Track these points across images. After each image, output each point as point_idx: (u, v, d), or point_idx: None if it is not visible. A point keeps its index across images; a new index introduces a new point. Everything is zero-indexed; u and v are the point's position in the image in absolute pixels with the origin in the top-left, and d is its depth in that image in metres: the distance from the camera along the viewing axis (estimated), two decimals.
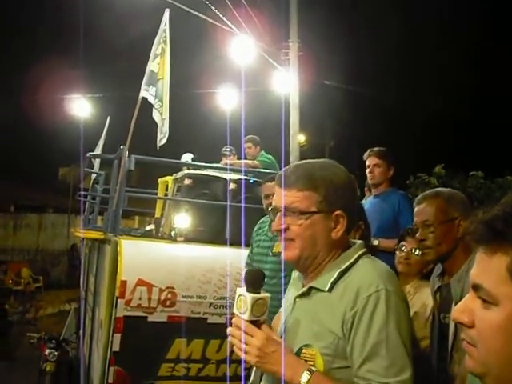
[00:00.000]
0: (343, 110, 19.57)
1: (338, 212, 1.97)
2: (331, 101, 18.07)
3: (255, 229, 5.07)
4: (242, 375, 5.37)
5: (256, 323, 1.88)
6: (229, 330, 1.95)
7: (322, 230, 1.97)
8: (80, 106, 17.78)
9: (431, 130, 18.91)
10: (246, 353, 1.87)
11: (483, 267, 1.06)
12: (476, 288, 1.06)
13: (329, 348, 1.87)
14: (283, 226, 1.99)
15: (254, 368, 4.98)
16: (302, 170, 2.02)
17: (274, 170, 7.37)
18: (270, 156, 8.11)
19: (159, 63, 6.31)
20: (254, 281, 1.90)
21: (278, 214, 2.01)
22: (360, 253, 2.01)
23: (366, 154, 5.20)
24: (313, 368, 1.83)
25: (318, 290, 1.97)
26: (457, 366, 2.61)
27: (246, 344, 1.87)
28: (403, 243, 3.69)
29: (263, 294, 1.88)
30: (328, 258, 2.00)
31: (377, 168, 5.07)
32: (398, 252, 3.69)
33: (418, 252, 3.39)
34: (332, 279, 1.94)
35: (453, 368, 2.64)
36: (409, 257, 3.60)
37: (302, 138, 18.02)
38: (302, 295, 2.02)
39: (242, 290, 1.89)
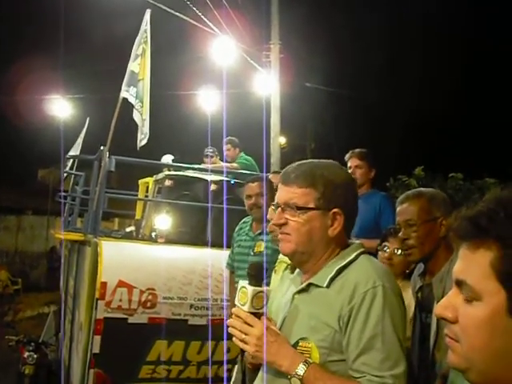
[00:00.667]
0: (324, 111, 19.64)
1: (335, 210, 2.01)
2: (312, 102, 18.12)
3: (236, 229, 5.08)
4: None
5: (256, 315, 1.94)
6: (229, 320, 2.00)
7: (318, 227, 2.02)
8: (60, 107, 17.66)
9: (411, 132, 19.01)
10: (245, 342, 1.92)
11: (466, 263, 1.07)
12: (459, 284, 1.07)
13: (325, 341, 1.91)
14: (282, 221, 2.05)
15: (236, 369, 4.98)
16: (303, 168, 2.07)
17: (254, 171, 7.38)
18: (249, 158, 8.11)
19: (140, 64, 6.29)
20: (256, 274, 1.98)
21: (279, 209, 2.07)
22: (359, 251, 2.04)
23: (347, 156, 5.20)
24: (309, 360, 1.88)
25: (317, 286, 2.00)
26: (438, 365, 2.63)
27: (246, 334, 1.92)
28: (386, 243, 3.69)
29: (264, 288, 1.97)
30: (326, 255, 2.04)
31: (358, 169, 5.07)
32: (380, 252, 3.70)
33: (400, 252, 3.40)
34: (330, 275, 1.97)
35: (434, 367, 2.65)
36: (392, 257, 3.61)
37: (283, 140, 18.05)
38: (301, 291, 2.05)
39: (243, 283, 1.97)
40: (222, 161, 8.32)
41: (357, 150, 5.20)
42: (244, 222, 5.06)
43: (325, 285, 1.97)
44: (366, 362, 1.83)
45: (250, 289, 1.94)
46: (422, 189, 3.06)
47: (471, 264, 1.05)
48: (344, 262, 1.99)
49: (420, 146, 18.08)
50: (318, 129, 22.59)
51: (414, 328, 2.89)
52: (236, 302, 1.99)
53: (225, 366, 5.53)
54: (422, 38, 19.59)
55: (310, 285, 2.03)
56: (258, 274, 1.99)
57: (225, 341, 5.23)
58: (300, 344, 1.94)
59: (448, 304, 1.09)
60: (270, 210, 4.23)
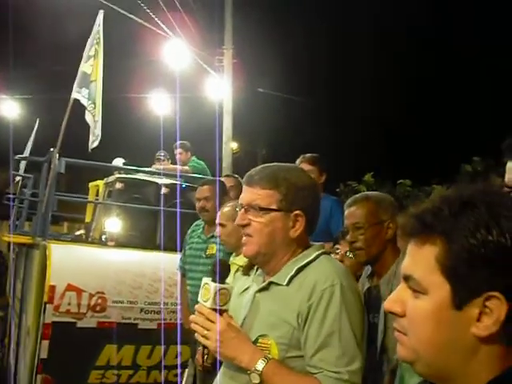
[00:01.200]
0: (277, 117, 19.71)
1: (297, 212, 2.06)
2: (265, 108, 18.18)
3: (189, 232, 5.09)
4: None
5: (218, 312, 1.96)
6: (191, 316, 2.02)
7: (280, 228, 2.06)
8: (7, 107, 17.28)
9: (362, 139, 19.26)
10: (206, 338, 1.95)
11: (414, 258, 1.11)
12: (407, 279, 1.11)
13: (284, 338, 1.95)
14: (244, 222, 2.09)
15: (186, 374, 4.97)
16: (267, 171, 2.12)
17: (205, 175, 7.38)
18: (200, 162, 8.11)
19: (92, 65, 6.23)
20: (220, 271, 2.00)
21: (242, 209, 2.11)
22: (319, 252, 2.09)
23: (298, 161, 5.24)
24: (269, 356, 1.92)
25: (277, 284, 2.05)
26: (386, 363, 2.68)
27: (208, 330, 1.95)
28: (337, 246, 3.75)
29: (227, 285, 2.00)
30: (287, 255, 2.08)
31: (309, 174, 5.11)
32: (333, 255, 3.75)
33: (351, 254, 3.46)
34: (290, 274, 2.02)
35: (382, 367, 2.70)
36: (343, 259, 3.66)
37: (234, 145, 18.06)
38: (262, 289, 2.09)
39: (207, 279, 1.99)
40: (173, 165, 8.29)
41: (307, 155, 5.24)
42: (196, 225, 5.06)
43: (284, 283, 2.02)
44: (323, 358, 1.88)
45: (213, 285, 1.96)
46: (369, 192, 3.16)
47: (418, 259, 1.09)
48: (304, 262, 2.04)
49: (370, 152, 18.34)
50: (271, 135, 22.68)
51: None
52: (199, 299, 2.01)
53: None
54: (374, 43, 19.88)
55: (270, 283, 2.07)
56: (221, 271, 2.01)
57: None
58: (260, 341, 1.99)
59: (396, 298, 1.13)
60: (218, 213, 4.26)
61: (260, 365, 1.88)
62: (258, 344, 1.98)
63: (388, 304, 1.14)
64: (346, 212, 2.95)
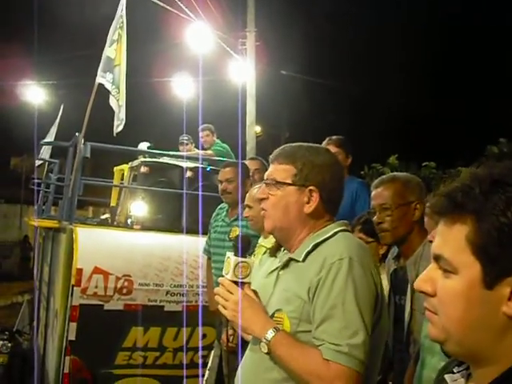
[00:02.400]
0: (300, 100, 19.64)
1: (311, 187, 2.10)
2: (288, 91, 18.12)
3: (213, 215, 5.10)
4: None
5: (238, 284, 2.05)
6: (216, 289, 2.10)
7: (294, 203, 2.12)
8: (33, 93, 17.39)
9: (387, 121, 19.13)
10: (225, 308, 2.05)
11: (444, 238, 1.10)
12: (437, 258, 1.11)
13: (295, 312, 1.99)
14: (263, 196, 2.18)
15: (212, 354, 5.01)
16: (288, 148, 2.20)
17: (230, 157, 7.38)
18: (224, 145, 8.11)
19: (116, 49, 6.23)
20: (242, 246, 2.08)
21: (264, 184, 2.21)
22: (338, 229, 2.11)
23: (324, 143, 5.21)
24: (279, 327, 1.97)
25: (295, 260, 2.09)
26: (412, 346, 2.68)
27: (226, 300, 2.04)
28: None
29: (248, 259, 2.09)
30: (304, 232, 2.13)
31: None
32: None
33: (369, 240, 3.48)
34: (307, 250, 2.06)
35: (409, 348, 2.70)
36: None
37: (258, 128, 18.04)
38: (284, 267, 2.14)
39: (229, 254, 2.09)
40: (197, 148, 8.31)
41: (334, 137, 5.22)
42: (221, 208, 5.07)
43: (301, 259, 2.06)
44: (326, 330, 1.89)
45: (233, 258, 2.05)
46: (396, 173, 3.12)
47: (448, 239, 1.09)
48: (321, 238, 2.07)
49: (395, 134, 18.21)
50: (294, 117, 22.59)
51: (388, 310, 2.93)
52: (223, 273, 2.09)
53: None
54: (399, 26, 19.66)
55: (290, 260, 2.11)
56: (242, 246, 2.08)
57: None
58: (275, 315, 2.04)
59: (427, 278, 1.13)
60: (247, 195, 4.27)
61: (269, 335, 1.94)
62: (274, 318, 2.03)
63: (418, 283, 1.14)
64: (372, 193, 2.93)
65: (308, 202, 2.11)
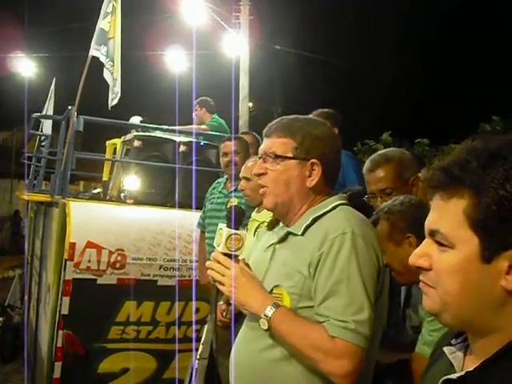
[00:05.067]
0: (293, 75, 19.54)
1: (313, 160, 2.04)
2: (281, 66, 18.01)
3: (210, 189, 5.09)
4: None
5: (229, 256, 1.99)
6: (208, 262, 2.03)
7: (296, 176, 2.05)
8: (24, 66, 17.17)
9: (379, 98, 19.11)
10: (221, 284, 1.98)
11: (440, 212, 1.10)
12: (432, 234, 1.10)
13: (295, 287, 1.94)
14: (261, 171, 2.10)
15: (206, 329, 5.01)
16: (285, 120, 2.13)
17: (224, 132, 7.31)
18: (221, 120, 8.01)
19: (110, 22, 6.14)
20: (234, 217, 2.00)
21: (260, 159, 2.13)
22: (338, 203, 2.07)
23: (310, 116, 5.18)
24: (279, 303, 1.92)
25: (294, 234, 2.04)
26: (408, 320, 2.67)
27: (223, 275, 1.97)
28: None
29: (240, 231, 2.01)
30: (305, 206, 2.08)
31: None
32: None
33: None
34: (306, 224, 2.01)
35: (405, 323, 2.70)
36: None
37: (250, 104, 17.97)
38: (281, 241, 2.09)
39: (221, 225, 2.01)
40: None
41: (319, 110, 5.18)
42: (218, 182, 5.07)
43: (300, 233, 2.01)
44: (330, 307, 1.85)
45: (226, 230, 1.98)
46: (388, 152, 2.99)
47: (444, 213, 1.08)
48: (320, 212, 2.02)
49: (388, 111, 18.18)
50: (287, 93, 22.51)
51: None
52: (214, 245, 2.04)
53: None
54: (398, 3, 19.53)
55: (288, 234, 2.07)
56: (236, 218, 2.01)
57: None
58: (274, 291, 1.98)
59: (421, 253, 1.12)
60: (242, 167, 4.25)
61: (269, 311, 1.88)
62: (272, 294, 1.98)
63: (413, 258, 1.14)
64: (368, 176, 2.87)
65: (310, 176, 2.05)
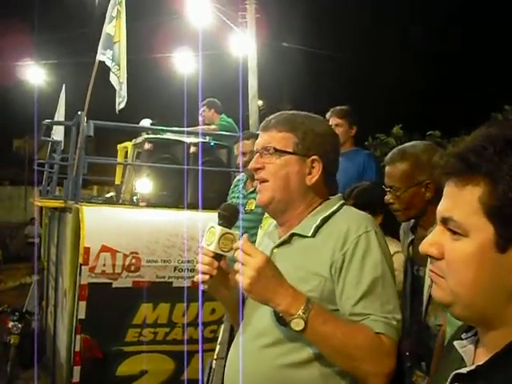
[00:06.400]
0: (302, 72, 19.50)
1: (314, 157, 1.98)
2: (289, 63, 17.98)
3: (231, 187, 5.09)
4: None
5: (223, 258, 1.88)
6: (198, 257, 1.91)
7: (295, 173, 1.98)
8: (33, 73, 17.27)
9: (390, 91, 19.02)
10: (241, 274, 1.73)
11: (453, 200, 1.07)
12: (445, 221, 1.08)
13: (315, 291, 1.83)
14: (258, 166, 2.02)
15: (222, 328, 5.00)
16: (285, 115, 2.06)
17: (234, 132, 7.32)
18: (229, 120, 8.02)
19: (115, 26, 6.17)
20: (228, 216, 1.91)
21: (257, 154, 2.04)
22: (342, 202, 2.03)
23: (328, 114, 5.17)
24: (312, 300, 1.75)
25: (301, 236, 1.95)
26: (432, 318, 2.63)
27: (243, 264, 1.73)
28: None
29: (234, 231, 1.88)
30: (304, 205, 2.01)
31: (338, 128, 5.02)
32: None
33: None
34: (315, 224, 1.93)
35: (427, 320, 2.65)
36: None
37: (260, 102, 17.95)
38: (283, 243, 2.00)
39: (213, 223, 1.89)
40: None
41: (337, 108, 5.17)
42: (238, 180, 5.06)
43: (310, 234, 1.92)
44: (368, 306, 1.79)
45: (219, 228, 1.85)
46: (407, 147, 2.82)
47: (458, 200, 1.06)
48: (328, 212, 1.96)
49: (398, 104, 18.09)
50: (296, 90, 22.47)
51: (405, 281, 2.88)
52: (203, 243, 1.89)
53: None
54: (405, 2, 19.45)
55: (292, 236, 1.98)
56: (230, 216, 1.91)
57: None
58: None
59: (432, 241, 1.11)
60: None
61: (305, 310, 1.69)
62: None
63: (424, 247, 1.12)
64: (385, 168, 2.83)
65: (310, 173, 1.98)
